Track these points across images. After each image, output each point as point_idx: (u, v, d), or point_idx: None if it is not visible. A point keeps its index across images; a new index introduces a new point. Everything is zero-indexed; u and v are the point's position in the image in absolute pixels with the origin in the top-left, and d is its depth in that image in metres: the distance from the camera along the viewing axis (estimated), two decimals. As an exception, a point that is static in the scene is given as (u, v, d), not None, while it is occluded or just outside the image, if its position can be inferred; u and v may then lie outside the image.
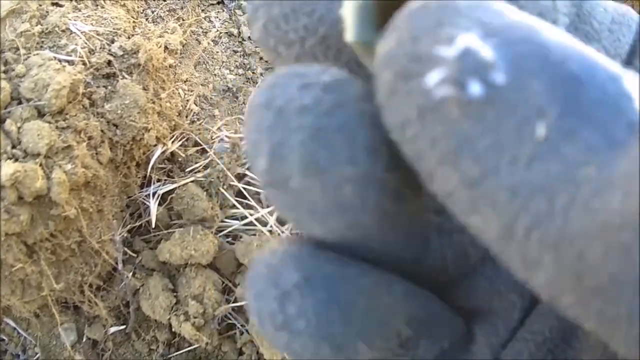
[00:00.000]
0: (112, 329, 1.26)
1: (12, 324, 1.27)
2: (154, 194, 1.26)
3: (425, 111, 0.20)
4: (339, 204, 0.24)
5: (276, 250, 0.27)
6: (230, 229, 1.30)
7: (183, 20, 1.52)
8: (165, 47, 1.33)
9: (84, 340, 1.27)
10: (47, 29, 1.17)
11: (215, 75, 1.53)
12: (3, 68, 1.08)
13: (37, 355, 1.27)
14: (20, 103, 1.06)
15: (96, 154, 1.12)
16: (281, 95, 0.24)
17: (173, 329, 1.22)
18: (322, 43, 0.28)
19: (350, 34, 0.25)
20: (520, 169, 0.19)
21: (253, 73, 1.57)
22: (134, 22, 1.31)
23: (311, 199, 0.24)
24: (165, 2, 1.53)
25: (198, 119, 1.41)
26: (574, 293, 0.19)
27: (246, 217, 1.29)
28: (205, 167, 1.29)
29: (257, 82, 1.55)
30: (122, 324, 1.27)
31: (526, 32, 0.20)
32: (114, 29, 1.23)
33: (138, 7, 1.42)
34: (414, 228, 0.28)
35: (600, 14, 0.30)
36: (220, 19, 1.62)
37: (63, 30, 1.18)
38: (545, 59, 0.19)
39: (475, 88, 0.19)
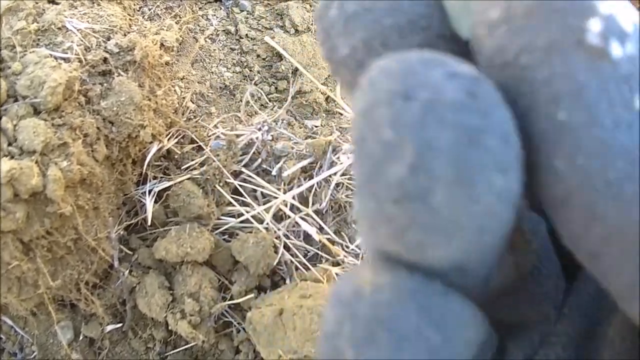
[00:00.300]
0: (109, 327, 1.26)
1: (10, 322, 1.27)
2: (150, 191, 1.26)
3: (556, 46, 0.20)
4: (480, 225, 0.20)
5: (381, 284, 0.22)
6: (226, 226, 1.29)
7: (180, 17, 1.52)
8: (161, 44, 1.33)
9: (81, 338, 1.27)
10: (43, 26, 1.17)
11: (212, 73, 1.53)
12: (-1, 66, 1.08)
13: (35, 354, 1.27)
14: (16, 100, 1.06)
15: (92, 151, 1.12)
16: (425, 84, 0.20)
17: (169, 327, 1.22)
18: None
19: None
20: (619, 131, 0.20)
21: (250, 71, 1.57)
22: (130, 19, 1.31)
23: (452, 219, 0.20)
24: (162, 0, 1.53)
25: (194, 117, 1.41)
26: (626, 257, 0.20)
27: (242, 215, 1.29)
28: (202, 164, 1.29)
29: (254, 80, 1.55)
30: (119, 322, 1.27)
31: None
32: (110, 26, 1.23)
33: (134, 4, 1.42)
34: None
35: None
36: (217, 17, 1.61)
37: (59, 28, 1.18)
38: None
39: (616, 49, 0.20)
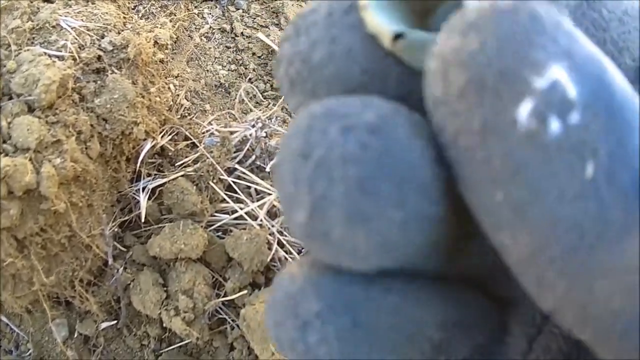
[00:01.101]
0: (104, 325, 1.26)
1: (5, 320, 1.27)
2: (143, 188, 1.26)
3: (491, 130, 0.20)
4: (383, 247, 0.22)
5: (295, 276, 0.25)
6: (220, 223, 1.30)
7: (175, 15, 1.52)
8: (155, 42, 1.33)
9: (76, 335, 1.27)
10: (38, 25, 1.18)
11: (207, 70, 1.53)
12: (-6, 64, 1.08)
13: (30, 351, 1.27)
14: (10, 98, 1.07)
15: (86, 148, 1.13)
16: (320, 141, 0.22)
17: (164, 324, 1.22)
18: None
19: (374, 23, 0.25)
20: (564, 204, 0.20)
21: (245, 69, 1.57)
22: (124, 17, 1.31)
23: (354, 246, 0.22)
24: (157, -2, 1.53)
25: (189, 114, 1.41)
26: (577, 318, 0.20)
27: (236, 211, 1.29)
28: (195, 161, 1.29)
29: (249, 78, 1.55)
30: (114, 320, 1.27)
31: (598, 70, 0.21)
32: (104, 24, 1.23)
33: (129, 3, 1.42)
34: (459, 248, 0.27)
35: (611, 4, 0.29)
36: (213, 15, 1.62)
37: (54, 26, 1.19)
38: (610, 103, 0.20)
39: (555, 126, 0.20)
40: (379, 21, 0.25)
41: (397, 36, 0.25)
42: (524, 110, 0.20)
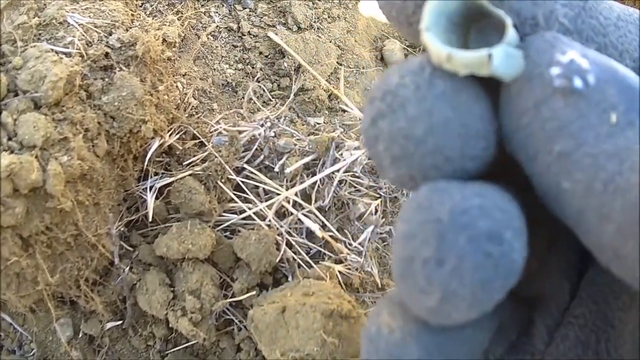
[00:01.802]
0: (109, 325, 1.25)
1: (8, 319, 1.27)
2: (151, 187, 1.26)
3: (540, 102, 0.28)
4: (480, 314, 0.29)
5: (393, 328, 0.31)
6: (228, 223, 1.29)
7: (182, 14, 1.51)
8: (164, 40, 1.32)
9: (80, 335, 1.26)
10: (44, 21, 1.17)
11: (214, 69, 1.52)
12: (0, 60, 1.07)
13: (34, 351, 1.26)
14: (16, 95, 1.05)
15: (93, 146, 1.11)
16: (452, 251, 0.27)
17: (170, 325, 1.22)
18: (464, 174, 0.31)
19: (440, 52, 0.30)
20: (600, 142, 0.27)
21: (252, 68, 1.56)
22: (132, 15, 1.30)
23: (466, 319, 0.29)
24: (164, -4, 1.52)
25: (196, 113, 1.41)
26: (634, 236, 0.25)
27: (244, 211, 1.28)
28: (203, 160, 1.29)
29: (256, 77, 1.54)
30: (119, 320, 1.26)
31: (605, 59, 0.29)
32: (111, 21, 1.22)
33: (137, 0, 1.41)
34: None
35: (605, 10, 0.34)
36: (219, 14, 1.61)
37: (60, 23, 1.17)
38: (615, 74, 0.28)
39: (578, 82, 0.27)
40: (437, 46, 0.30)
41: (450, 56, 0.30)
42: (554, 71, 0.28)
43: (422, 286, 0.28)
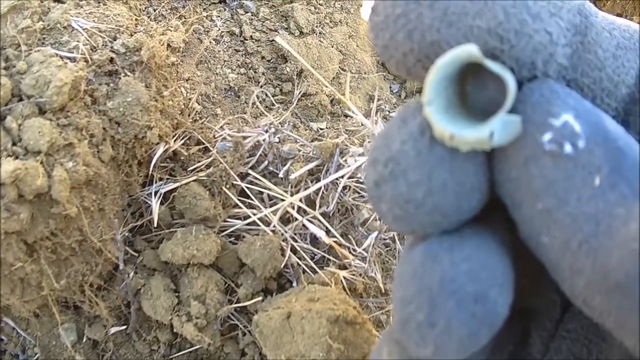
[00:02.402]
0: (113, 329, 1.25)
1: (12, 323, 1.26)
2: (155, 192, 1.26)
3: (529, 159, 0.30)
4: (472, 353, 0.33)
5: None
6: (232, 228, 1.29)
7: (185, 18, 1.51)
8: (168, 45, 1.32)
9: (85, 340, 1.26)
10: (48, 25, 1.17)
11: (217, 74, 1.52)
12: (4, 65, 1.07)
13: (37, 356, 1.26)
14: (21, 100, 1.05)
15: (98, 152, 1.12)
16: (442, 314, 0.31)
17: (175, 330, 1.22)
18: (459, 224, 0.34)
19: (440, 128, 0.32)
20: (581, 204, 0.29)
21: (255, 72, 1.56)
22: (136, 19, 1.30)
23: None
24: (167, 1, 1.52)
25: (200, 118, 1.41)
26: (602, 291, 0.28)
27: (249, 217, 1.28)
28: (208, 166, 1.29)
29: (258, 82, 1.54)
30: (123, 324, 1.26)
31: (597, 117, 0.30)
32: (116, 26, 1.22)
33: (140, 4, 1.41)
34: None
35: (605, 41, 0.35)
36: (222, 18, 1.61)
37: (65, 27, 1.17)
38: (606, 136, 0.30)
39: (568, 148, 0.29)
40: (440, 125, 0.32)
41: (453, 136, 0.31)
42: (546, 137, 0.30)
43: (418, 342, 0.32)
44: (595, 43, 0.34)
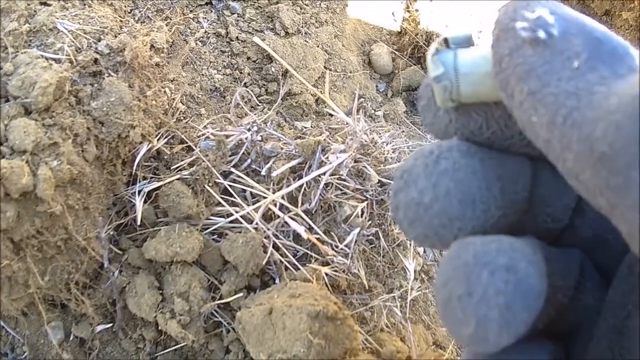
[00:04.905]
0: (99, 327, 1.26)
1: (1, 322, 1.27)
2: (139, 191, 1.27)
3: (513, 49, 0.33)
4: (516, 335, 0.33)
5: None
6: (215, 226, 1.30)
7: (170, 20, 1.52)
8: (151, 46, 1.33)
9: (71, 338, 1.27)
10: (35, 27, 1.18)
11: (202, 75, 1.54)
12: (-10, 66, 1.09)
13: (25, 354, 1.27)
14: (7, 101, 1.07)
15: (82, 151, 1.13)
16: (478, 283, 0.33)
17: (159, 327, 1.23)
18: (471, 231, 0.38)
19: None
20: (562, 83, 0.31)
21: (240, 73, 1.57)
22: (120, 21, 1.31)
23: (500, 341, 0.33)
24: (153, 2, 1.53)
25: (184, 118, 1.42)
26: (590, 164, 0.29)
27: (232, 215, 1.29)
28: (191, 164, 1.30)
29: (244, 82, 1.55)
30: (109, 322, 1.27)
31: (574, 15, 0.33)
32: (100, 27, 1.24)
33: (125, 6, 1.43)
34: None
35: None
36: (208, 20, 1.62)
37: (50, 29, 1.19)
38: (583, 28, 0.32)
39: (541, 34, 0.32)
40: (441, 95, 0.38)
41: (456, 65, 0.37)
42: (520, 25, 0.33)
43: (460, 317, 0.34)
44: None
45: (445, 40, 0.38)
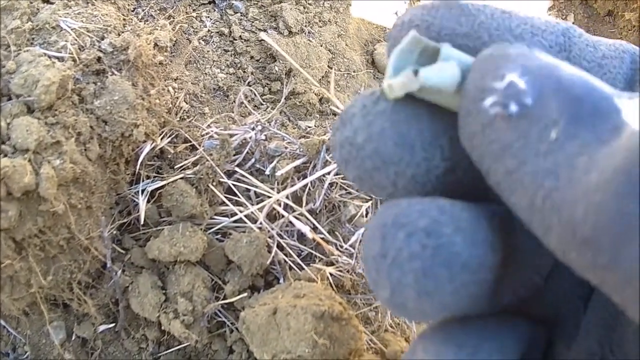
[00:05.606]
0: (102, 327, 1.26)
1: (2, 322, 1.27)
2: (143, 190, 1.26)
3: (485, 125, 0.31)
4: (443, 308, 0.33)
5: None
6: (219, 225, 1.29)
7: (173, 18, 1.52)
8: (155, 44, 1.33)
9: (73, 338, 1.26)
10: (37, 25, 1.17)
11: (205, 74, 1.53)
12: (-7, 65, 1.08)
13: (27, 354, 1.26)
14: (10, 99, 1.06)
15: (85, 150, 1.12)
16: (392, 245, 0.32)
17: (162, 327, 1.22)
18: (411, 180, 0.36)
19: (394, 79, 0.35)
20: (539, 160, 0.29)
21: (244, 72, 1.57)
22: (124, 19, 1.31)
23: (423, 310, 0.33)
24: (156, 1, 1.53)
25: (188, 117, 1.41)
26: (574, 247, 0.27)
27: (235, 214, 1.29)
28: (195, 163, 1.29)
29: (247, 81, 1.55)
30: (112, 322, 1.26)
31: (549, 70, 0.30)
32: (104, 26, 1.23)
33: (128, 5, 1.42)
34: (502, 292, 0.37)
35: (589, 54, 0.38)
36: (211, 18, 1.62)
37: (53, 27, 1.18)
38: (559, 85, 0.29)
39: (513, 107, 0.30)
40: (399, 73, 0.35)
41: (416, 72, 0.34)
42: (488, 102, 0.31)
43: (375, 279, 0.33)
44: (580, 57, 0.38)
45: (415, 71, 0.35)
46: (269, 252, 1.25)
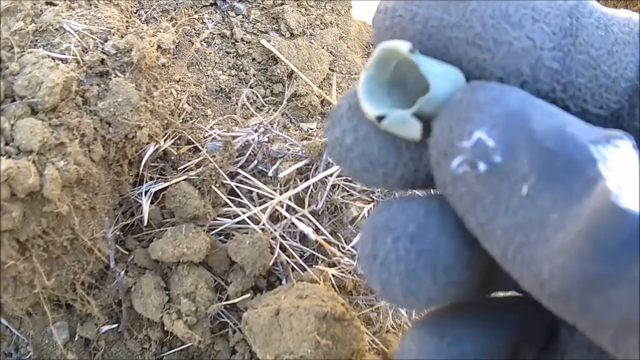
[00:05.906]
0: (105, 328, 1.26)
1: (5, 322, 1.27)
2: (146, 192, 1.26)
3: (455, 178, 0.31)
4: (430, 303, 0.35)
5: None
6: (222, 227, 1.30)
7: (176, 21, 1.52)
8: (158, 46, 1.33)
9: (76, 339, 1.27)
10: (41, 27, 1.18)
11: (208, 76, 1.53)
12: (-3, 66, 1.08)
13: (30, 354, 1.27)
14: (14, 100, 1.07)
15: (89, 151, 1.13)
16: (381, 248, 0.34)
17: (165, 328, 1.22)
18: (401, 179, 0.37)
19: (370, 111, 0.36)
20: (510, 215, 0.29)
21: (246, 74, 1.57)
22: (127, 21, 1.31)
23: (412, 305, 0.35)
24: (158, 3, 1.53)
25: (190, 118, 1.42)
26: (544, 298, 0.28)
27: (238, 215, 1.29)
28: (198, 165, 1.30)
29: (249, 83, 1.55)
30: (115, 323, 1.27)
31: (520, 121, 0.30)
32: (107, 27, 1.23)
33: (131, 7, 1.43)
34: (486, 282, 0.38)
35: (598, 40, 0.35)
36: (213, 20, 1.62)
37: (57, 29, 1.19)
38: (531, 139, 0.29)
39: (482, 167, 0.30)
40: (368, 107, 0.35)
41: (380, 118, 0.35)
42: (455, 162, 0.31)
43: (367, 277, 0.35)
44: (587, 43, 0.34)
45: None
46: (272, 253, 1.25)
